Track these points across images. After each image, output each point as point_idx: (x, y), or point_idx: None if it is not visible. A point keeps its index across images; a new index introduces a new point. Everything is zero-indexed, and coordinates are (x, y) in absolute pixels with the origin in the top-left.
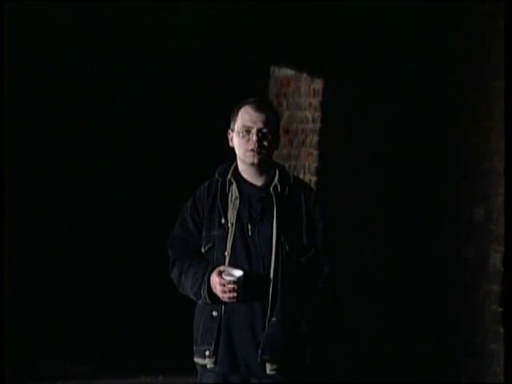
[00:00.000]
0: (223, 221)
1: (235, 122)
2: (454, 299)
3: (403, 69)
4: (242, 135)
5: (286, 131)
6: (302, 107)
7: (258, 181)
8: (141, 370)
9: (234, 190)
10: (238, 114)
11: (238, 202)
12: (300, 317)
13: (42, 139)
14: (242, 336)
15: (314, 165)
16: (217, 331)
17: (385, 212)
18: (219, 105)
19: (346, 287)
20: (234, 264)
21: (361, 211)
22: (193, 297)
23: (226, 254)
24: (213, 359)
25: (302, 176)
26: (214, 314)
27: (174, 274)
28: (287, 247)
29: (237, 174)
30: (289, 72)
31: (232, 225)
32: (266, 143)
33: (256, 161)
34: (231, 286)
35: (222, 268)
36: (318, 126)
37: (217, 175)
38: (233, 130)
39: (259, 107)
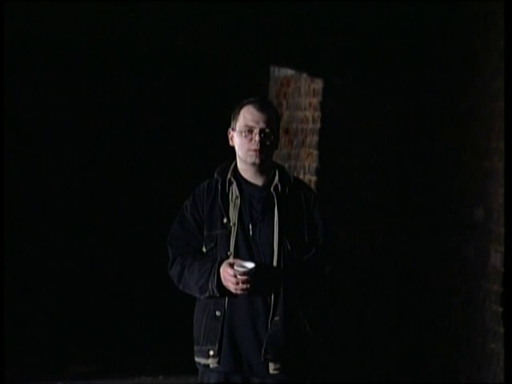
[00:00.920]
0: (225, 220)
1: (236, 121)
2: (454, 299)
3: (403, 69)
4: (244, 135)
5: (286, 131)
6: (301, 107)
7: (258, 180)
8: (141, 370)
9: (234, 190)
10: (239, 113)
11: (238, 201)
12: (302, 316)
13: (41, 139)
14: (245, 335)
15: (314, 165)
16: (220, 331)
17: (385, 212)
18: (219, 105)
19: (345, 287)
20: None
21: (361, 211)
22: (196, 291)
23: (229, 253)
24: (216, 359)
25: (301, 176)
26: (218, 313)
27: (175, 271)
28: (289, 247)
29: (236, 173)
30: (289, 72)
31: (234, 224)
32: (267, 143)
33: (257, 161)
34: (244, 277)
35: (231, 260)
36: (318, 126)
37: (216, 174)
38: (233, 129)
39: (261, 107)
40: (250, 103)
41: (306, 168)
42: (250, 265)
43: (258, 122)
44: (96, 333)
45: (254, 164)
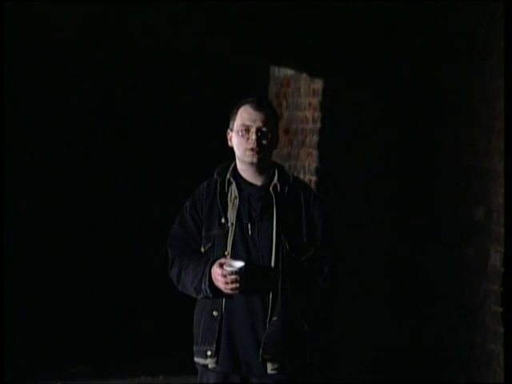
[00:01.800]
0: (223, 220)
1: (234, 121)
2: (454, 299)
3: (403, 69)
4: (241, 134)
5: (286, 131)
6: (301, 107)
7: (257, 180)
8: (141, 370)
9: (233, 190)
10: (237, 113)
11: (237, 201)
12: (301, 316)
13: (41, 139)
14: (243, 335)
15: (314, 165)
16: (218, 331)
17: (385, 212)
18: (219, 105)
19: (345, 287)
20: None
21: (361, 211)
22: (193, 292)
23: (226, 253)
24: (214, 359)
25: (301, 176)
26: (215, 313)
27: (174, 272)
28: (287, 246)
29: (236, 173)
30: (289, 72)
31: (232, 224)
32: (265, 142)
33: (255, 160)
34: (233, 277)
35: (222, 260)
36: (318, 126)
37: (216, 175)
38: (232, 130)
39: (258, 106)
40: (248, 103)
41: (306, 168)
42: (239, 264)
43: (254, 121)
44: (96, 333)
45: (251, 163)
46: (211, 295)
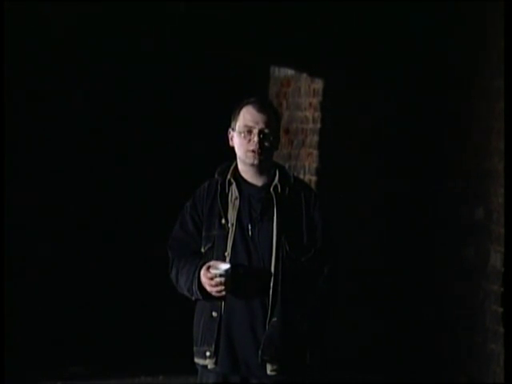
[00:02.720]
0: (223, 221)
1: (236, 121)
2: (454, 299)
3: (403, 69)
4: (243, 135)
5: (286, 131)
6: (302, 107)
7: (258, 181)
8: (141, 370)
9: (233, 190)
10: (239, 113)
11: (238, 202)
12: (300, 317)
13: (41, 139)
14: (243, 336)
15: (314, 165)
16: (217, 332)
17: (385, 212)
18: (219, 105)
19: (345, 287)
20: (235, 264)
21: (361, 211)
22: (187, 294)
23: (227, 254)
24: (213, 360)
25: (301, 176)
26: (214, 314)
27: (173, 274)
28: (287, 247)
29: (236, 173)
30: (289, 72)
31: (232, 225)
32: (267, 144)
33: (256, 162)
34: (218, 279)
35: (211, 263)
36: (318, 126)
37: (216, 175)
38: (233, 130)
39: (261, 107)
40: (250, 103)
41: (306, 168)
42: (225, 266)
43: (257, 123)
44: (96, 333)
45: (252, 165)
46: (201, 297)
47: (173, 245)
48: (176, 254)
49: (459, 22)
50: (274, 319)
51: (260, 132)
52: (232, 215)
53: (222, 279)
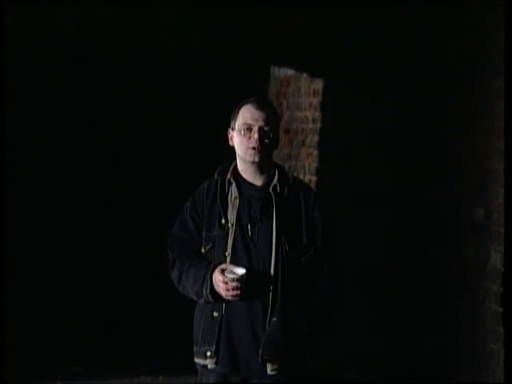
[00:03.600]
0: (223, 221)
1: (236, 120)
2: (454, 299)
3: (403, 69)
4: (243, 133)
5: (286, 131)
6: (302, 107)
7: (257, 180)
8: (141, 370)
9: (233, 190)
10: (238, 112)
11: (237, 202)
12: (300, 317)
13: (41, 139)
14: (243, 336)
15: (314, 165)
16: (217, 331)
17: (385, 212)
18: (219, 105)
19: (345, 287)
20: (235, 264)
21: (361, 211)
22: (194, 296)
23: (227, 254)
24: (214, 360)
25: (301, 176)
26: (215, 314)
27: (174, 274)
28: (287, 247)
29: (236, 173)
30: (289, 72)
31: (232, 225)
32: (266, 141)
33: (257, 159)
34: (234, 284)
35: (224, 266)
36: (318, 126)
37: (216, 175)
38: (233, 129)
39: (260, 106)
40: (249, 102)
41: (306, 168)
42: (241, 271)
43: (256, 120)
44: (96, 333)
45: (253, 162)
46: (212, 300)
47: (173, 244)
48: (177, 253)
49: (459, 22)
50: (274, 319)
51: (260, 129)
52: (232, 215)
53: (238, 284)
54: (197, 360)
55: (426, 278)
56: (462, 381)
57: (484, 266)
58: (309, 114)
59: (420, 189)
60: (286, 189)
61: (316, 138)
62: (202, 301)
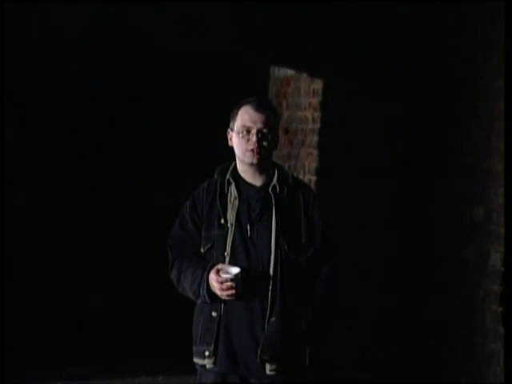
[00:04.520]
0: (222, 221)
1: (235, 121)
2: (454, 299)
3: (403, 69)
4: (241, 135)
5: (286, 131)
6: (301, 107)
7: (256, 181)
8: (141, 370)
9: (232, 190)
10: (237, 113)
11: (237, 202)
12: (299, 317)
13: (40, 140)
14: (242, 336)
15: (314, 165)
16: (216, 331)
17: (385, 212)
18: (219, 105)
19: (345, 287)
20: (234, 264)
21: (361, 211)
22: (192, 296)
23: (226, 254)
24: (212, 359)
25: (301, 176)
26: (214, 314)
27: (174, 274)
28: (286, 247)
29: (235, 173)
30: (289, 72)
31: (231, 225)
32: (265, 143)
33: (255, 161)
34: (229, 283)
35: (219, 266)
36: (318, 126)
37: (216, 175)
38: (232, 130)
39: (259, 107)
40: (248, 103)
41: (306, 168)
42: (236, 270)
43: (255, 123)
44: (96, 333)
45: (251, 164)
46: (209, 301)
47: (173, 244)
48: (176, 253)
49: (459, 23)
50: (273, 319)
51: (258, 132)
52: (231, 215)
53: (233, 283)
54: (195, 360)
55: (425, 277)
56: (462, 381)
57: (484, 266)
58: (308, 114)
59: (420, 188)
60: (286, 189)
61: (316, 137)
62: (199, 301)
